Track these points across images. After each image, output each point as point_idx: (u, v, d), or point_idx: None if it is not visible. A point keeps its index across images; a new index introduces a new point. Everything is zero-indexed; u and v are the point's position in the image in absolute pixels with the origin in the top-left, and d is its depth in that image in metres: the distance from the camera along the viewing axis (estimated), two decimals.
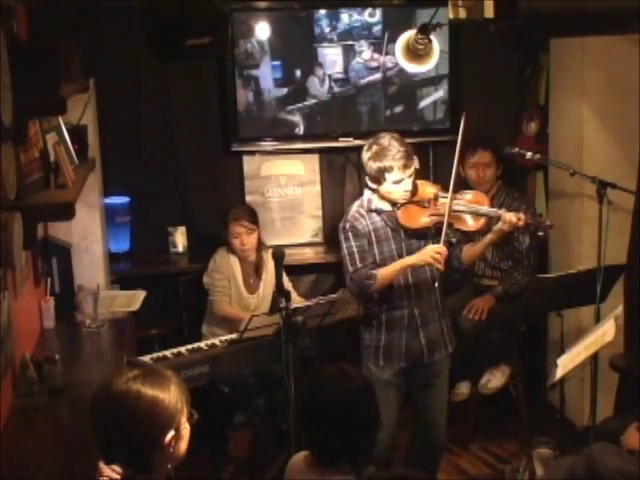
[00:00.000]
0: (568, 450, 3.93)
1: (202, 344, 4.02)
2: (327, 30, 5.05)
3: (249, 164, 5.21)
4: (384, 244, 3.60)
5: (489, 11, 2.78)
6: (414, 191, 3.59)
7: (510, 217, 3.50)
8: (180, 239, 5.15)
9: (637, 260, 4.42)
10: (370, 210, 3.62)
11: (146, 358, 3.77)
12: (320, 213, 5.30)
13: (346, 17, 5.04)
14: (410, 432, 4.07)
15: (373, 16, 5.06)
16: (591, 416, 3.89)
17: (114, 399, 1.94)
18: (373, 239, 3.60)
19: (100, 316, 4.07)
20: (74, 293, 4.31)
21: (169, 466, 2.00)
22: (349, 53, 5.08)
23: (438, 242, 3.54)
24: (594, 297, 3.88)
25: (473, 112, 3.71)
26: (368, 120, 5.20)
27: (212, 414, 3.99)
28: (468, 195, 3.71)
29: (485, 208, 3.62)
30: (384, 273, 3.55)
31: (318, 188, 5.29)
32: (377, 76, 5.12)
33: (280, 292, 3.35)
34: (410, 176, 3.53)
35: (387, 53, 5.03)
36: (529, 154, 4.40)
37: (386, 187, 3.54)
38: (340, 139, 5.18)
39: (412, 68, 3.97)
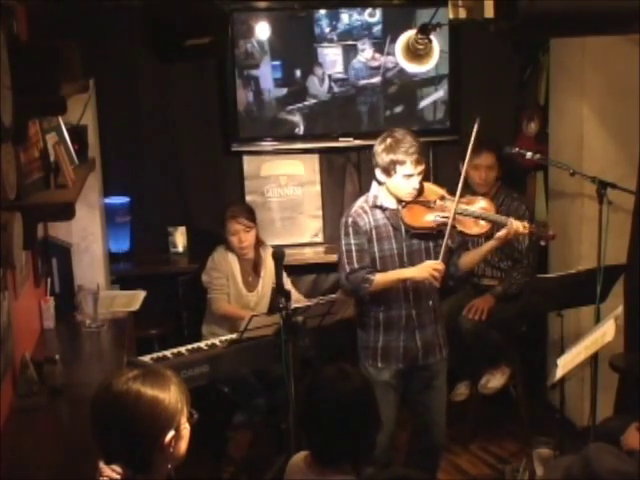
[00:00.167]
0: (568, 450, 3.93)
1: (202, 344, 4.02)
2: (327, 30, 5.05)
3: (249, 164, 5.21)
4: (385, 242, 3.60)
5: (489, 11, 2.77)
6: (420, 191, 3.59)
7: (516, 225, 3.50)
8: (180, 239, 5.15)
9: (637, 260, 4.42)
10: (375, 206, 3.62)
11: (146, 358, 3.77)
12: (320, 213, 5.30)
13: (346, 17, 5.05)
14: (410, 433, 4.07)
15: (373, 16, 5.06)
16: (591, 416, 3.89)
17: (114, 399, 1.94)
18: (374, 236, 3.59)
19: (100, 316, 4.06)
20: (74, 293, 4.30)
21: (169, 466, 2.00)
22: (349, 53, 5.09)
23: (440, 245, 3.55)
24: (594, 297, 3.88)
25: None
26: (368, 120, 5.20)
27: (212, 414, 3.99)
28: (476, 201, 3.71)
29: (492, 214, 3.63)
30: (380, 280, 3.56)
31: (318, 188, 5.29)
32: (377, 76, 5.13)
33: (280, 292, 3.35)
34: (420, 174, 3.54)
35: (388, 54, 5.02)
36: (529, 154, 4.40)
37: (395, 180, 3.54)
38: (340, 139, 5.18)
39: (412, 68, 3.97)
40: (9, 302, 3.04)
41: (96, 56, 4.27)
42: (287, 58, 5.07)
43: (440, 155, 5.28)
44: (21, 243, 2.89)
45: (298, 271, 5.04)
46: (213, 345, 3.99)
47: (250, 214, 4.52)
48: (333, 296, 4.04)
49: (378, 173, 3.58)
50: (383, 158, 3.52)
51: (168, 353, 3.86)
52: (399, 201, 3.60)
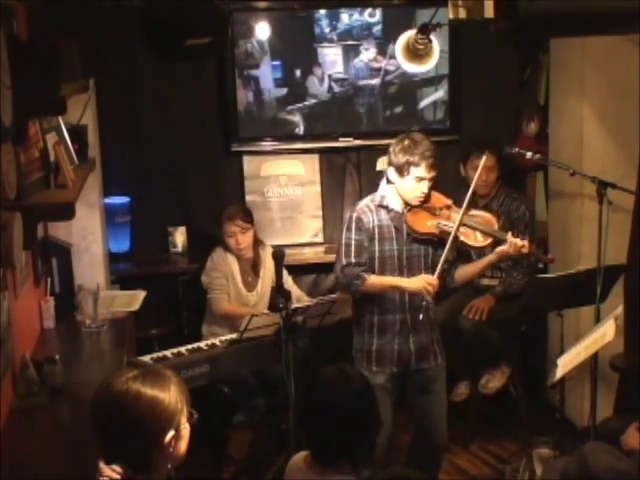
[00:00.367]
0: (568, 450, 3.92)
1: (202, 344, 4.03)
2: (327, 30, 5.05)
3: (249, 164, 5.21)
4: (386, 243, 3.61)
5: (489, 11, 2.77)
6: (427, 198, 3.61)
7: (516, 242, 3.51)
8: (180, 239, 5.15)
9: (637, 260, 4.42)
10: (380, 205, 3.62)
11: (146, 358, 3.77)
12: (320, 213, 5.30)
13: (346, 17, 5.05)
14: (410, 435, 4.06)
15: (373, 16, 5.06)
16: (591, 416, 3.89)
17: (114, 399, 1.94)
18: (376, 235, 3.60)
19: (100, 316, 4.06)
20: (74, 293, 4.31)
21: (169, 466, 2.00)
22: (349, 53, 5.09)
23: (439, 255, 3.55)
24: (594, 297, 3.88)
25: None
26: (368, 120, 5.20)
27: (212, 414, 3.99)
28: (480, 214, 3.72)
29: (494, 230, 3.64)
30: (374, 282, 3.57)
31: (318, 188, 5.29)
32: (377, 77, 5.12)
33: (280, 292, 3.35)
34: (431, 180, 3.56)
35: (391, 57, 5.00)
36: (529, 154, 4.40)
37: (407, 182, 3.55)
38: (340, 139, 5.18)
39: (412, 68, 3.97)
40: (9, 302, 3.04)
41: (96, 56, 4.28)
42: (287, 58, 5.07)
43: (440, 155, 5.25)
44: (21, 243, 2.89)
45: (298, 271, 5.03)
46: (213, 345, 3.99)
47: (247, 215, 4.52)
48: (333, 296, 4.04)
49: (391, 172, 3.59)
50: (399, 158, 3.53)
51: (168, 353, 3.86)
52: (405, 204, 3.61)
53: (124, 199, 5.04)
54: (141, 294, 4.40)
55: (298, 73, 5.08)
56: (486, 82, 5.28)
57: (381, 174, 3.76)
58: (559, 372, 3.60)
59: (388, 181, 3.63)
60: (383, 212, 3.62)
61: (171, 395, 1.97)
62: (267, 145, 5.17)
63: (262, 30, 5.00)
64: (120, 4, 4.32)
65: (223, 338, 4.05)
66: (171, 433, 1.95)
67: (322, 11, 5.03)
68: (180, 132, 5.12)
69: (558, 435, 4.14)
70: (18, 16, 3.16)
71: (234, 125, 5.09)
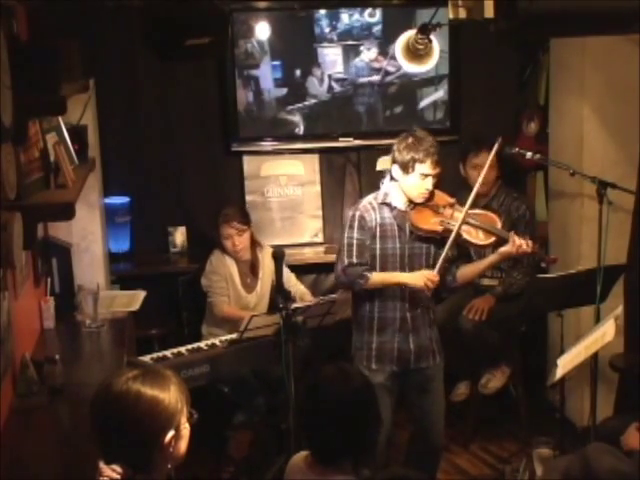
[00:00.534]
0: (568, 450, 3.93)
1: (202, 344, 4.03)
2: (327, 30, 5.05)
3: (249, 164, 5.21)
4: (388, 241, 3.61)
5: (489, 11, 2.77)
6: (431, 196, 3.61)
7: (519, 241, 3.51)
8: (180, 239, 5.15)
9: (637, 260, 4.42)
10: (384, 203, 3.62)
11: (146, 358, 3.77)
12: (320, 213, 5.30)
13: (346, 17, 5.05)
14: (409, 434, 4.07)
15: (373, 16, 5.06)
16: (591, 416, 3.89)
17: (114, 399, 1.94)
18: (378, 233, 3.60)
19: (100, 316, 4.07)
20: (74, 293, 4.31)
21: (169, 466, 2.00)
22: (349, 53, 5.09)
23: (441, 253, 3.55)
24: (594, 297, 3.88)
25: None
26: (368, 120, 5.20)
27: (212, 414, 3.99)
28: (482, 212, 3.73)
29: (497, 229, 3.64)
30: (376, 279, 3.57)
31: (318, 188, 5.29)
32: (377, 76, 5.12)
33: (280, 292, 3.35)
34: (435, 177, 3.56)
35: (392, 57, 5.00)
36: (529, 154, 4.40)
37: (411, 179, 3.55)
38: (340, 139, 5.18)
39: (412, 68, 3.97)
40: (9, 302, 3.04)
41: (96, 56, 4.28)
42: (287, 58, 5.07)
43: (440, 155, 5.25)
44: (21, 243, 2.89)
45: (298, 271, 5.02)
46: (213, 345, 3.99)
47: (243, 217, 4.51)
48: (333, 296, 4.04)
49: (395, 169, 3.59)
50: (404, 155, 3.54)
51: (168, 353, 3.86)
52: (409, 202, 3.61)
53: (124, 199, 5.04)
54: (141, 294, 4.40)
55: (298, 73, 5.08)
56: (486, 82, 5.28)
57: (381, 174, 3.77)
58: (559, 372, 3.60)
59: (392, 179, 3.63)
60: (386, 210, 3.62)
61: (171, 395, 1.97)
62: (267, 145, 5.17)
63: (262, 30, 5.00)
64: (120, 4, 4.32)
65: (223, 338, 4.05)
66: (171, 433, 1.95)
67: (322, 11, 5.03)
68: (180, 132, 5.13)
69: (558, 435, 4.14)
70: (18, 16, 3.16)
71: (234, 125, 5.09)
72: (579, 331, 4.38)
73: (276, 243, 4.77)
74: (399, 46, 3.76)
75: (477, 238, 3.62)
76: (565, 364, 3.61)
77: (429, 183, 3.56)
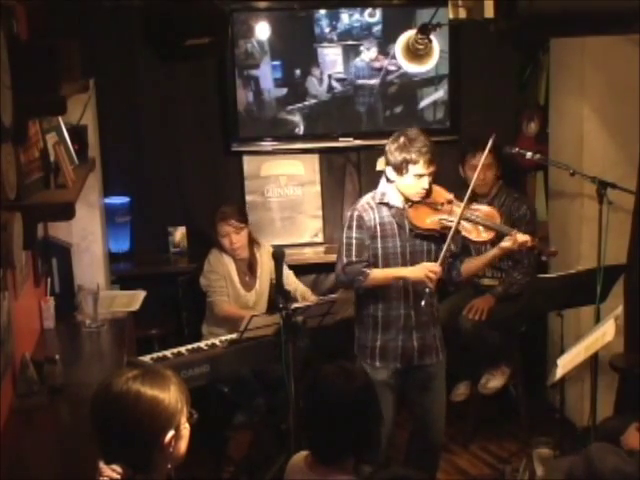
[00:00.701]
0: (568, 450, 3.93)
1: (202, 344, 4.03)
2: (327, 30, 5.05)
3: (249, 164, 5.21)
4: (389, 240, 3.61)
5: (489, 11, 2.77)
6: (429, 193, 3.60)
7: (520, 237, 3.51)
8: (180, 239, 5.15)
9: (637, 260, 4.42)
10: (381, 203, 3.62)
11: (146, 358, 3.77)
12: (320, 213, 5.30)
13: (346, 17, 5.04)
14: (408, 433, 4.07)
15: (373, 16, 5.06)
16: (591, 416, 3.89)
17: (114, 399, 1.94)
18: (378, 233, 3.60)
19: (100, 316, 4.07)
20: (74, 293, 4.31)
21: (169, 466, 2.00)
22: (349, 53, 5.09)
23: (442, 248, 3.55)
24: (594, 297, 3.88)
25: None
26: (368, 120, 5.20)
27: (212, 414, 3.99)
28: (482, 208, 3.73)
29: (497, 224, 3.64)
30: (376, 276, 3.57)
31: (318, 188, 5.29)
32: (377, 77, 5.12)
33: (280, 292, 3.35)
34: (430, 175, 3.55)
35: (393, 57, 4.99)
36: (529, 154, 4.40)
37: (406, 180, 3.55)
38: (340, 139, 5.18)
39: (412, 68, 3.96)
40: (9, 302, 3.04)
41: (96, 56, 4.28)
42: (287, 58, 5.07)
43: (440, 155, 5.25)
44: (21, 243, 2.88)
45: (298, 271, 5.02)
46: (213, 345, 3.99)
47: (241, 215, 4.51)
48: (333, 296, 4.04)
49: (389, 171, 3.59)
50: (396, 156, 3.53)
51: (168, 353, 3.86)
52: (406, 200, 3.61)
53: (124, 199, 5.04)
54: (141, 294, 4.40)
55: (298, 73, 5.08)
56: (486, 82, 5.28)
57: (381, 174, 3.75)
58: (559, 372, 3.60)
59: (387, 180, 3.63)
60: (384, 209, 3.62)
61: (171, 395, 1.97)
62: (267, 145, 5.16)
63: (262, 30, 5.00)
64: (120, 4, 4.33)
65: (223, 338, 4.05)
66: (171, 433, 1.95)
67: (322, 11, 5.03)
68: (180, 132, 5.12)
69: (558, 435, 4.14)
70: (18, 16, 3.16)
71: (234, 125, 5.09)
72: (579, 331, 4.38)
73: (276, 243, 4.77)
74: (399, 46, 3.76)
75: (475, 235, 3.62)
76: (565, 364, 3.61)
77: (425, 182, 3.56)
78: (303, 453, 2.52)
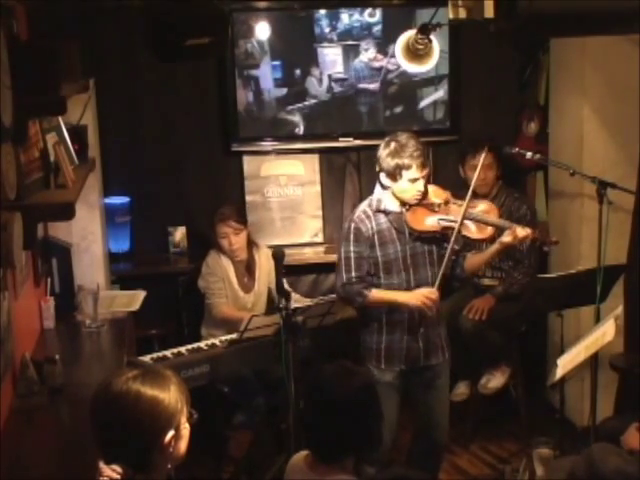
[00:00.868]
0: (568, 450, 3.93)
1: (202, 344, 4.03)
2: (327, 30, 5.04)
3: (249, 164, 5.21)
4: (389, 246, 3.60)
5: (489, 11, 2.77)
6: (425, 194, 3.60)
7: (520, 230, 3.52)
8: (180, 239, 5.15)
9: (637, 260, 4.42)
10: (378, 210, 3.62)
11: (146, 358, 3.77)
12: (320, 213, 5.30)
13: (346, 17, 5.04)
14: (412, 433, 4.07)
15: (373, 16, 5.05)
16: (591, 416, 3.89)
17: (114, 399, 1.94)
18: (376, 241, 3.59)
19: (100, 316, 4.06)
20: (74, 293, 4.30)
21: (169, 466, 2.01)
22: (349, 53, 5.08)
23: (444, 248, 3.55)
24: (594, 297, 3.88)
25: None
26: (368, 120, 5.20)
27: (212, 414, 3.99)
28: (479, 204, 3.72)
29: (496, 219, 3.63)
30: (375, 296, 3.57)
31: (318, 188, 5.29)
32: (377, 77, 5.12)
33: (280, 292, 3.35)
34: (424, 177, 3.55)
35: (392, 56, 4.99)
36: (529, 154, 4.40)
37: (400, 185, 3.54)
38: (340, 139, 5.18)
39: (412, 68, 3.96)
40: (9, 302, 3.04)
41: (96, 56, 4.28)
42: (287, 58, 5.07)
43: (440, 155, 5.28)
44: (21, 243, 2.88)
45: (298, 271, 5.04)
46: (213, 345, 3.99)
47: (240, 216, 4.51)
48: (333, 296, 4.03)
49: (383, 178, 3.58)
50: (388, 163, 3.52)
51: (168, 353, 3.86)
52: (403, 204, 3.60)
53: (124, 199, 5.04)
54: (141, 294, 4.40)
55: (298, 73, 5.08)
56: (486, 82, 5.29)
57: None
58: (559, 372, 3.61)
59: (382, 186, 3.62)
60: (382, 216, 3.62)
61: (171, 395, 1.97)
62: (267, 145, 5.16)
63: (262, 30, 5.00)
64: (120, 4, 4.32)
65: (223, 338, 4.05)
66: (171, 433, 1.95)
67: (322, 11, 5.03)
68: (180, 132, 5.12)
69: (558, 435, 4.14)
70: (18, 16, 3.16)
71: (234, 125, 5.09)
72: (579, 331, 4.38)
73: (276, 243, 4.77)
74: (399, 46, 3.76)
75: (476, 233, 3.62)
76: (565, 364, 3.61)
77: (420, 185, 3.55)
78: (303, 453, 2.52)
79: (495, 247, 3.63)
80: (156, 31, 3.01)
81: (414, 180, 3.52)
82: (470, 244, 3.90)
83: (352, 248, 3.59)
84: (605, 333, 3.56)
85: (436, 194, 3.66)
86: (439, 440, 3.87)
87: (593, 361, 3.86)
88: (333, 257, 4.84)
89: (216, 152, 5.18)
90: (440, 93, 5.23)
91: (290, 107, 5.12)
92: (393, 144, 3.53)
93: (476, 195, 4.48)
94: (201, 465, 4.16)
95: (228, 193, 5.19)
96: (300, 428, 3.12)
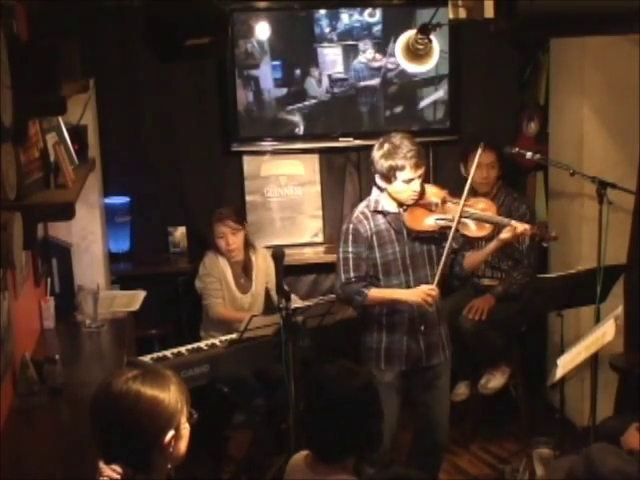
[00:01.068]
0: (568, 450, 3.93)
1: (202, 344, 4.03)
2: (327, 30, 5.04)
3: (249, 164, 5.21)
4: (388, 247, 3.60)
5: (489, 11, 2.77)
6: (422, 194, 3.59)
7: (518, 227, 3.51)
8: (180, 239, 5.15)
9: (637, 260, 4.42)
10: (376, 211, 3.61)
11: (146, 358, 3.77)
12: (320, 213, 5.30)
13: (346, 17, 5.04)
14: (412, 433, 4.07)
15: (373, 16, 5.05)
16: (591, 416, 3.89)
17: (114, 399, 1.94)
18: (375, 242, 3.59)
19: (100, 316, 4.07)
20: (74, 293, 4.30)
21: (169, 466, 2.00)
22: (349, 53, 5.08)
23: (443, 247, 3.55)
24: (594, 297, 3.88)
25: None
26: (368, 120, 5.20)
27: (212, 414, 3.99)
28: (477, 202, 3.72)
29: (494, 216, 3.63)
30: (374, 295, 3.57)
31: (318, 188, 5.29)
32: (377, 76, 5.12)
33: (280, 292, 3.35)
34: (420, 177, 3.54)
35: (390, 55, 5.00)
36: (529, 154, 4.40)
37: (396, 186, 3.54)
38: (340, 139, 5.18)
39: (412, 68, 3.97)
40: (9, 302, 3.04)
41: (96, 56, 4.28)
42: (287, 58, 5.07)
43: (440, 155, 5.28)
44: (21, 243, 2.88)
45: (298, 271, 5.04)
46: (213, 345, 3.99)
47: (238, 216, 4.51)
48: (333, 296, 4.03)
49: (378, 179, 3.58)
50: (382, 165, 3.52)
51: (168, 353, 3.86)
52: (400, 205, 3.60)
53: (124, 199, 5.04)
54: (141, 294, 4.40)
55: (298, 73, 5.08)
56: (486, 82, 5.28)
57: None
58: (559, 372, 3.61)
59: (378, 188, 3.62)
60: (380, 217, 3.62)
61: (171, 395, 1.97)
62: (267, 145, 5.16)
63: (262, 30, 5.00)
64: (120, 4, 4.33)
65: (223, 338, 4.05)
66: (171, 433, 1.95)
67: (322, 11, 5.03)
68: (180, 132, 5.12)
69: (558, 435, 4.14)
70: (18, 16, 3.16)
71: (234, 125, 5.09)
72: (579, 331, 4.38)
73: (276, 243, 4.78)
74: (399, 46, 3.76)
75: (474, 231, 3.62)
76: (565, 364, 3.61)
77: (416, 185, 3.54)
78: (303, 453, 2.52)
79: (494, 244, 3.63)
80: (156, 31, 3.01)
81: (409, 181, 3.51)
82: (469, 242, 3.90)
83: (350, 249, 3.59)
84: (605, 333, 3.56)
85: (433, 193, 3.65)
86: (439, 440, 3.87)
87: (593, 361, 3.86)
88: (333, 257, 4.82)
89: (216, 152, 5.18)
90: (440, 93, 5.23)
91: (290, 107, 5.12)
92: (386, 145, 3.52)
93: (476, 194, 4.49)
94: (201, 465, 4.16)
95: (228, 193, 5.19)
96: (300, 428, 3.11)
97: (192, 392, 2.07)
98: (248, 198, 5.19)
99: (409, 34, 3.72)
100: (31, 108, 2.88)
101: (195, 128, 5.14)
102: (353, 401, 2.41)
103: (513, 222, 3.56)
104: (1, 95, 2.51)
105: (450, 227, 3.53)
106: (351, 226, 3.61)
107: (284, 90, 5.10)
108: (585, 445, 3.48)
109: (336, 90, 5.12)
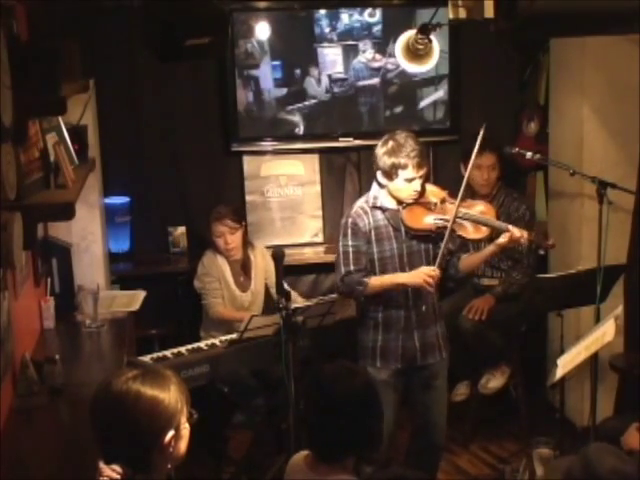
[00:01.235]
0: (568, 450, 3.92)
1: (202, 344, 4.03)
2: (327, 30, 5.05)
3: (249, 164, 5.21)
4: (385, 243, 3.60)
5: (489, 11, 2.77)
6: (422, 193, 3.59)
7: (515, 232, 3.51)
8: (180, 239, 5.15)
9: (637, 260, 4.42)
10: (375, 207, 3.62)
11: (146, 358, 3.77)
12: (320, 213, 5.30)
13: (346, 17, 5.05)
14: (410, 432, 4.07)
15: (373, 16, 5.06)
16: (591, 416, 3.89)
17: (114, 399, 1.94)
18: (373, 237, 3.59)
19: (100, 316, 4.07)
20: (74, 293, 4.31)
21: (169, 466, 2.00)
22: (349, 53, 5.09)
23: (439, 247, 3.55)
24: (594, 297, 3.87)
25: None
26: (368, 120, 5.20)
27: (212, 414, 3.99)
28: (476, 205, 3.72)
29: (493, 220, 3.63)
30: (375, 283, 3.57)
31: (318, 188, 5.29)
32: (377, 76, 5.13)
33: (280, 292, 3.35)
34: (422, 177, 3.54)
35: (390, 55, 5.00)
36: (529, 154, 4.39)
37: (396, 184, 3.54)
38: (340, 139, 5.18)
39: (412, 68, 3.96)
40: (9, 302, 3.04)
41: (96, 56, 4.28)
42: (287, 58, 5.07)
43: (440, 155, 5.28)
44: (21, 243, 2.89)
45: (298, 271, 5.04)
46: (213, 345, 3.99)
47: (236, 215, 4.51)
48: (333, 296, 4.04)
49: (379, 176, 3.58)
50: (385, 161, 3.52)
51: (168, 353, 3.86)
52: (399, 202, 3.60)
53: (124, 199, 5.04)
54: (141, 294, 4.40)
55: (298, 73, 5.08)
56: (486, 82, 5.28)
57: None
58: (559, 372, 3.60)
59: (379, 184, 3.62)
60: (378, 213, 3.62)
61: (171, 395, 1.97)
62: (267, 145, 5.16)
63: (262, 30, 5.00)
64: (120, 4, 4.33)
65: (223, 338, 4.05)
66: (171, 433, 1.95)
67: (322, 11, 5.03)
68: (180, 132, 5.13)
69: (558, 435, 4.14)
70: (18, 16, 3.16)
71: (234, 125, 5.09)
72: (579, 331, 4.38)
73: (276, 243, 4.78)
74: (399, 46, 3.76)
75: (471, 233, 3.62)
76: (565, 364, 3.61)
77: (416, 185, 3.54)
78: (303, 453, 2.52)
79: (491, 249, 3.64)
80: (156, 31, 3.01)
81: (410, 180, 3.52)
82: (467, 244, 3.90)
83: (350, 242, 3.60)
84: (605, 333, 3.56)
85: (433, 193, 3.65)
86: (437, 440, 3.87)
87: (593, 361, 3.86)
88: (333, 257, 4.84)
89: (216, 152, 5.19)
90: (440, 93, 5.23)
91: (290, 107, 5.12)
92: (391, 143, 3.53)
93: (477, 196, 4.49)
94: (201, 465, 4.16)
95: (228, 193, 5.20)
96: (300, 428, 3.12)
97: (192, 392, 2.07)
98: (248, 198, 5.19)
99: (409, 34, 3.72)
100: (31, 108, 2.88)
101: (195, 128, 5.14)
102: (353, 401, 2.41)
103: (511, 227, 3.56)
104: (1, 95, 2.51)
105: (447, 227, 3.53)
106: (350, 220, 3.61)
107: (284, 90, 5.10)
108: (585, 445, 3.48)
109: (336, 90, 5.12)
